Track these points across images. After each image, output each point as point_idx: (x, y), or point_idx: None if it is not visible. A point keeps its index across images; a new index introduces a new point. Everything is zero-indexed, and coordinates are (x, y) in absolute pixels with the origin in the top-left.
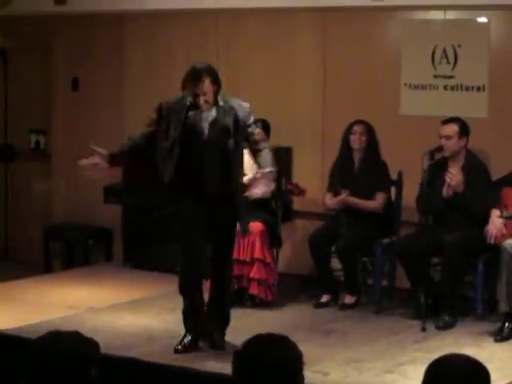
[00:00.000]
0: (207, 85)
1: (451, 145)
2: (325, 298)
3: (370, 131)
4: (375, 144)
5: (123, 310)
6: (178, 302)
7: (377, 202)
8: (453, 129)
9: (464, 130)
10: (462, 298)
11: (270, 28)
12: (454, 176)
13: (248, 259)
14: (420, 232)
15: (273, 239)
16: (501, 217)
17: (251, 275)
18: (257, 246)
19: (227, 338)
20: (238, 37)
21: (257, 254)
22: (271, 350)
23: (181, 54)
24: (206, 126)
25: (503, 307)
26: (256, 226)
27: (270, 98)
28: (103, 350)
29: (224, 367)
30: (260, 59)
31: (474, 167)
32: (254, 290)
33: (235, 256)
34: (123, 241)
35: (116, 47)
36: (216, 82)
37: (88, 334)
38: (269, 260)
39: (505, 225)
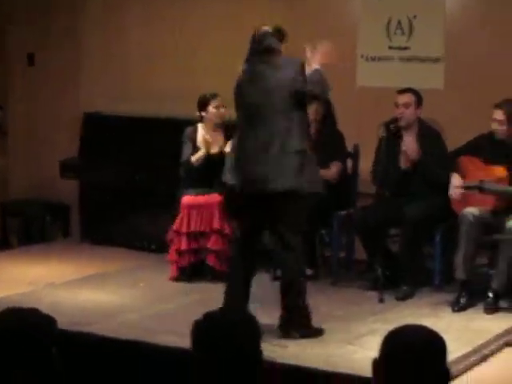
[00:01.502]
0: None
1: (409, 114)
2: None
3: (325, 103)
4: (331, 115)
5: (82, 286)
6: (137, 277)
7: (332, 171)
8: (411, 97)
9: (419, 100)
10: (420, 268)
11: (225, 4)
12: (409, 143)
13: (207, 230)
14: (377, 204)
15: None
16: (461, 187)
17: (209, 246)
18: (216, 216)
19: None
20: (193, 16)
21: (215, 225)
22: (228, 322)
23: (136, 32)
24: None
25: (460, 274)
26: (215, 197)
27: (226, 74)
28: (63, 325)
29: (182, 341)
30: (215, 37)
31: (429, 135)
32: (210, 260)
33: (194, 229)
34: (80, 216)
35: (72, 22)
36: None
37: (47, 310)
38: (227, 231)
39: (460, 195)
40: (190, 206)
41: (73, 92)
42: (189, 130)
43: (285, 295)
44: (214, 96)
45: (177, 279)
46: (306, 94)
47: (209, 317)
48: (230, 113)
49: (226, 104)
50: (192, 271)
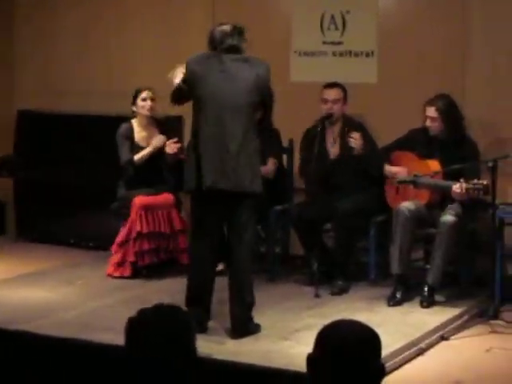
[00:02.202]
0: None
1: (338, 109)
2: (220, 266)
3: None
4: (267, 112)
5: (18, 284)
6: (73, 275)
7: (267, 168)
8: (339, 93)
9: (346, 95)
10: (355, 263)
11: (165, 2)
12: (357, 140)
13: (167, 231)
14: (312, 199)
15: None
16: (395, 182)
17: (181, 246)
18: (175, 217)
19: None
20: (130, 11)
21: (178, 226)
22: (162, 320)
23: (71, 29)
24: None
25: (395, 269)
26: (168, 197)
27: (160, 70)
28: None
29: (118, 338)
30: (153, 34)
31: (353, 127)
32: (184, 259)
33: (153, 229)
34: (16, 214)
35: (5, 20)
36: None
37: None
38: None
39: (397, 189)
40: (146, 207)
41: (6, 90)
42: (123, 127)
43: (241, 292)
44: (144, 89)
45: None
46: (271, 98)
47: (142, 314)
48: (162, 107)
49: (159, 98)
50: (150, 271)
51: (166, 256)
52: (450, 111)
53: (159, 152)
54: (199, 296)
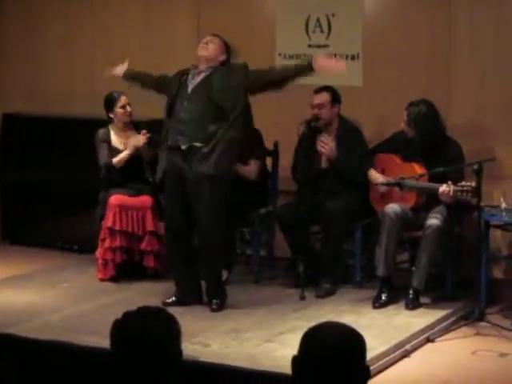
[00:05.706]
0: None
1: (324, 113)
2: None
3: None
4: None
5: (4, 287)
6: (59, 278)
7: (251, 169)
8: (325, 97)
9: (336, 97)
10: (340, 265)
11: (146, 8)
12: (326, 144)
13: (140, 233)
14: (299, 200)
15: (161, 212)
16: (379, 184)
17: (143, 248)
18: (148, 218)
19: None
20: (113, 20)
21: (149, 227)
22: (147, 322)
23: (55, 32)
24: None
25: (381, 271)
26: (146, 199)
27: None
28: None
29: (104, 341)
30: (136, 42)
31: (349, 132)
32: (149, 262)
33: (126, 228)
34: (1, 217)
35: None
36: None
37: None
38: (162, 232)
39: (382, 192)
40: (121, 206)
41: None
42: (101, 132)
43: None
44: (119, 95)
45: (112, 278)
46: None
47: (127, 316)
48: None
49: (142, 103)
50: (124, 270)
51: (139, 257)
52: (421, 119)
53: (137, 153)
54: None
